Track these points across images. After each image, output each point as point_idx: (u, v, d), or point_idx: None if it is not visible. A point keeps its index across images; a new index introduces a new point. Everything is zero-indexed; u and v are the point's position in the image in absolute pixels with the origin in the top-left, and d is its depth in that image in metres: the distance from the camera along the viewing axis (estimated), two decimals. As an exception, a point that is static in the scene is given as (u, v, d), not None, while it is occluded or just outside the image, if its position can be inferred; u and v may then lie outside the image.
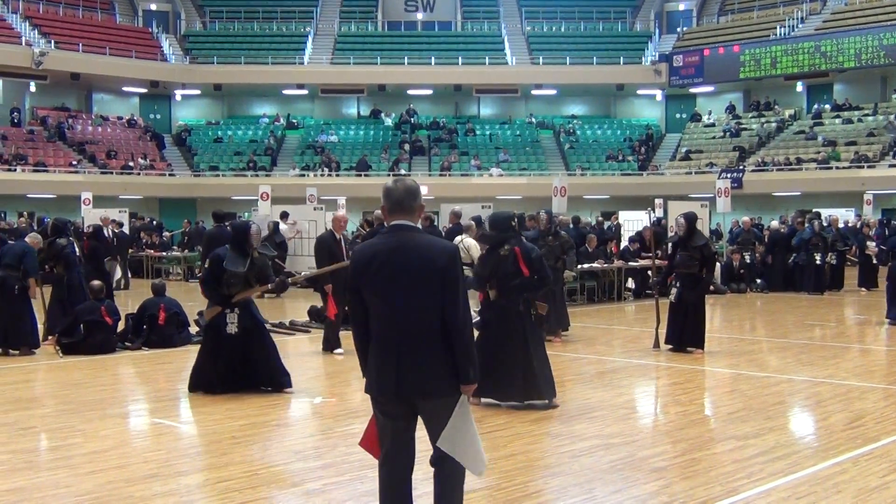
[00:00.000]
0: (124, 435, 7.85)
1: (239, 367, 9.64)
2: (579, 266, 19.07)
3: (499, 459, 6.89)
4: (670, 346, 12.51)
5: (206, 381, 9.59)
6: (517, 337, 8.87)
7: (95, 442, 7.56)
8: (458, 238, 14.34)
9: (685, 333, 12.33)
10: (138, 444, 7.56)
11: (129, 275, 23.72)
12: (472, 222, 17.05)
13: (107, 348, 12.49)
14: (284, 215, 23.86)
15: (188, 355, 12.54)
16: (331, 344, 12.51)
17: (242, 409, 8.91)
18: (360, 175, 41.01)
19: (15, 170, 37.56)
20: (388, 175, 41.24)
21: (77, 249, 13.61)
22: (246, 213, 32.45)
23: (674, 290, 12.44)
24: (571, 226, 22.24)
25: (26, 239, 12.88)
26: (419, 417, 4.62)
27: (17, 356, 12.13)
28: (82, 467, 6.77)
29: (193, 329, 13.79)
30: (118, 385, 10.72)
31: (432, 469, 4.69)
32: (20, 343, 12.30)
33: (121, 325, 13.20)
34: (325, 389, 9.87)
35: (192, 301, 16.21)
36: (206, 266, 9.97)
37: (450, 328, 4.48)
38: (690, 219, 12.53)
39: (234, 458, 7.12)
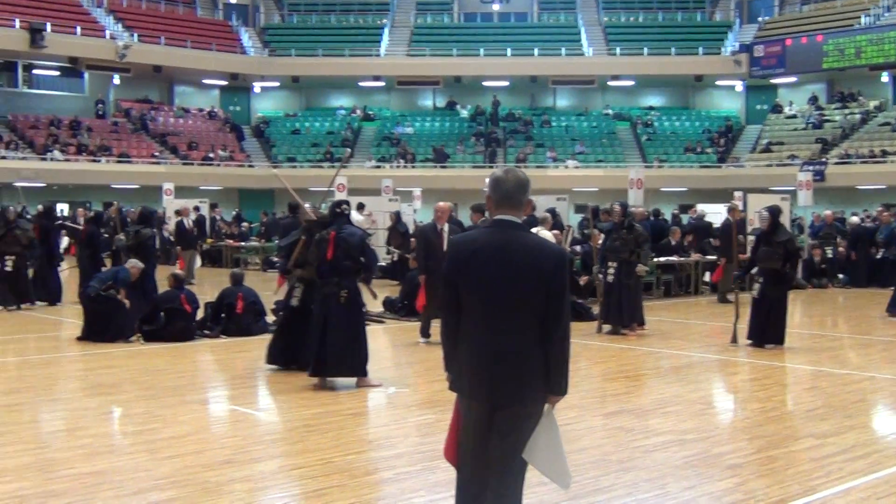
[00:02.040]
0: (202, 421, 8.00)
1: (294, 342, 10.15)
2: (657, 259, 18.91)
3: (571, 453, 6.80)
4: (750, 342, 12.26)
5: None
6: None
7: (174, 427, 7.71)
8: (533, 230, 14.30)
9: (766, 329, 12.07)
10: (215, 430, 7.69)
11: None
12: (548, 214, 17.01)
13: (186, 336, 12.71)
14: (360, 206, 24.03)
15: (265, 344, 12.71)
16: (423, 332, 12.66)
17: (317, 397, 9.00)
18: (436, 166, 41.15)
19: (100, 161, 38.47)
20: (464, 167, 41.36)
21: (158, 241, 13.88)
22: (323, 204, 32.77)
23: (756, 286, 12.19)
24: (652, 218, 22.07)
25: (127, 266, 13.23)
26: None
27: (102, 343, 12.37)
28: (161, 452, 6.91)
29: (270, 318, 13.97)
30: (197, 372, 10.92)
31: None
32: (117, 337, 12.56)
33: (200, 314, 13.44)
34: (398, 380, 9.91)
35: (268, 290, 16.40)
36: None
37: (549, 336, 4.23)
38: (774, 212, 12.26)
39: (308, 446, 7.20)
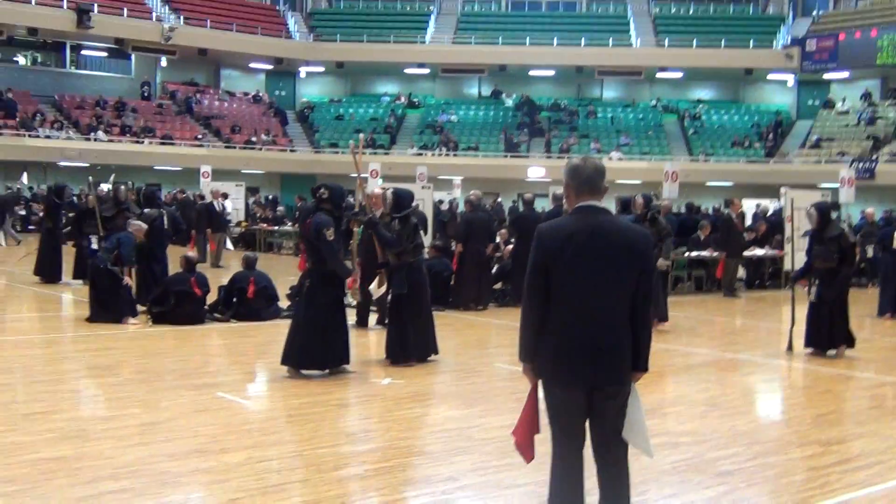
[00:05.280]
0: (183, 408, 7.75)
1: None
2: (688, 254, 18.48)
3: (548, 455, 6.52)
4: (810, 350, 11.31)
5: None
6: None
7: (152, 413, 7.51)
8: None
9: (827, 335, 11.18)
10: (194, 417, 7.42)
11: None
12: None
13: (196, 319, 12.56)
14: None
15: (276, 329, 12.50)
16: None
17: (309, 386, 8.77)
18: (477, 155, 40.90)
19: (143, 142, 38.65)
20: (506, 157, 41.00)
21: (166, 221, 13.68)
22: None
23: (813, 289, 11.32)
24: (685, 212, 21.62)
25: (129, 228, 13.02)
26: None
27: (109, 324, 12.23)
28: (130, 439, 6.70)
29: (284, 303, 13.77)
30: (198, 356, 10.70)
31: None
32: (120, 315, 12.41)
33: (214, 297, 13.30)
34: (397, 371, 9.64)
35: (293, 275, 16.20)
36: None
37: (638, 316, 4.44)
38: (822, 209, 11.44)
39: (282, 437, 6.98)
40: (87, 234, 15.63)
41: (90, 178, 16.61)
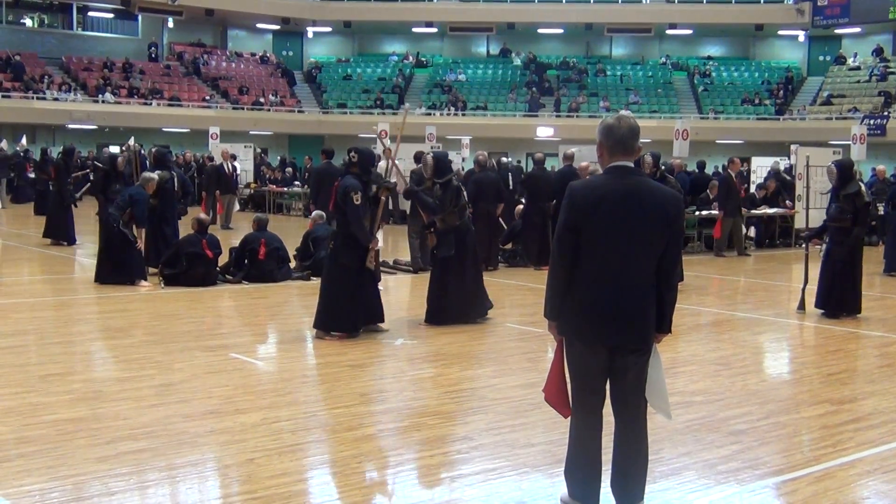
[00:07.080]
0: (197, 369, 7.80)
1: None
2: (698, 213, 18.44)
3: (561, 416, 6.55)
4: (822, 312, 11.07)
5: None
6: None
7: (168, 374, 7.56)
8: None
9: (835, 296, 10.92)
10: (209, 378, 7.48)
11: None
12: (590, 164, 16.59)
13: (208, 281, 12.60)
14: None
15: (287, 291, 12.61)
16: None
17: (322, 347, 8.81)
18: (486, 115, 40.70)
19: (150, 104, 38.55)
20: (515, 116, 40.82)
21: (175, 183, 13.67)
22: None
23: (823, 246, 11.20)
24: (697, 171, 21.53)
25: (140, 181, 12.99)
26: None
27: (121, 286, 12.29)
28: (147, 400, 6.76)
29: (294, 264, 13.81)
30: (211, 318, 10.76)
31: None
32: (129, 277, 12.46)
33: (225, 258, 13.33)
34: (410, 331, 9.69)
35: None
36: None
37: (666, 278, 4.45)
38: (842, 166, 11.12)
39: (297, 398, 7.01)
40: (112, 199, 15.58)
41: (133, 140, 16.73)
